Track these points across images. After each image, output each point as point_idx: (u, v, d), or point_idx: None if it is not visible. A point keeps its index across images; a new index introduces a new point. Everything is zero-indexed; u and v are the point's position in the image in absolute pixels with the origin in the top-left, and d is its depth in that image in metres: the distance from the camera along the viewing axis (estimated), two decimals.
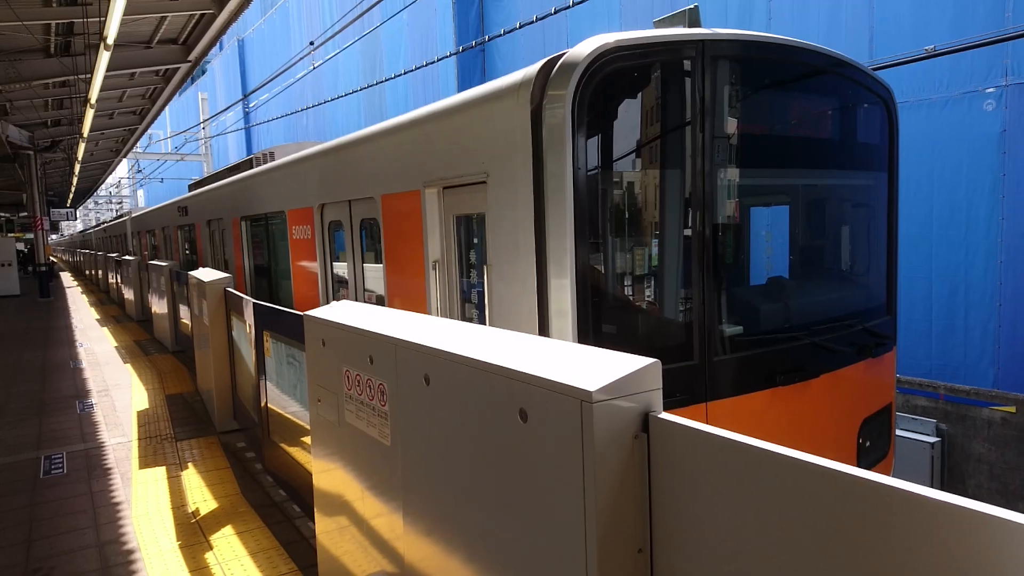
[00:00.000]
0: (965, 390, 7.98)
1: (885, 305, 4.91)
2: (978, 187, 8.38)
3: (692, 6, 4.08)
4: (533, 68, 3.56)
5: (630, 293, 3.73)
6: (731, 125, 3.73)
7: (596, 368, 1.70)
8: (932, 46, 7.58)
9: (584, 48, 3.37)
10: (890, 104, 4.77)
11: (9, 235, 33.43)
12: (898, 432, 6.36)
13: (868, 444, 4.52)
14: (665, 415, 1.61)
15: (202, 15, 12.21)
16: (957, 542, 1.09)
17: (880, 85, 4.68)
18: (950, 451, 7.97)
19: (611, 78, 3.39)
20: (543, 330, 3.58)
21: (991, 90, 8.23)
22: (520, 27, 10.69)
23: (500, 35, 12.04)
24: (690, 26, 4.00)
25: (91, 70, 10.98)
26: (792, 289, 4.50)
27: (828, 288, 4.77)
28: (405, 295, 5.11)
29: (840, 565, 1.26)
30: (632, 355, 1.74)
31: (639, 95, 3.58)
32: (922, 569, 1.14)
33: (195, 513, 4.70)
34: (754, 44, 3.90)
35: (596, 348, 1.90)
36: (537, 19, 9.95)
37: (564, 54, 3.45)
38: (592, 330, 3.47)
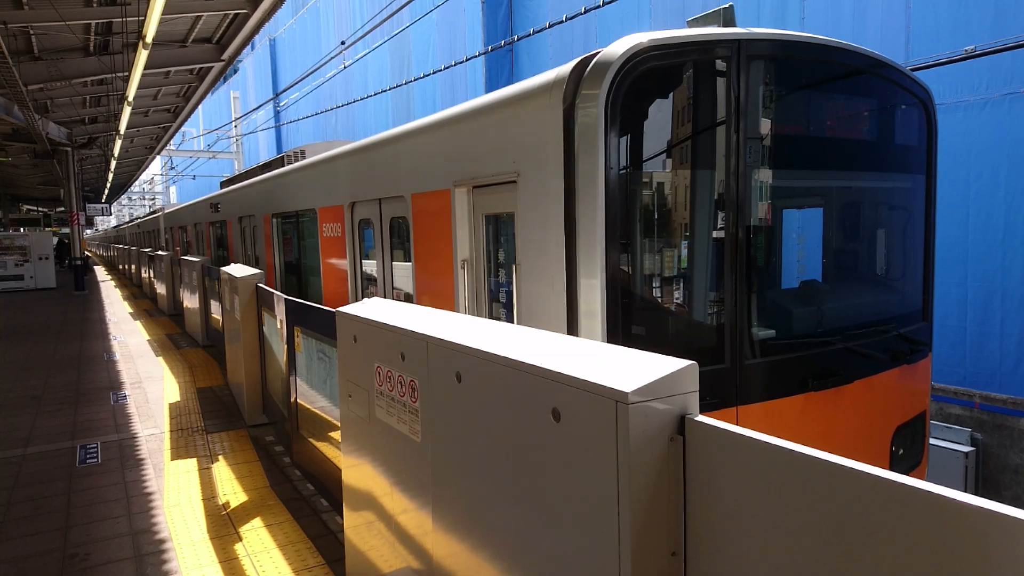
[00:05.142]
0: (1001, 399, 7.78)
1: (921, 311, 4.81)
2: (1017, 191, 8.16)
3: (727, 5, 4.04)
4: (566, 67, 3.55)
5: (660, 295, 3.70)
6: (766, 126, 3.68)
7: (631, 369, 1.70)
8: (972, 46, 7.41)
9: (618, 47, 3.35)
10: (929, 106, 4.67)
11: (46, 229, 34.29)
12: (931, 441, 6.23)
13: (901, 452, 4.43)
14: (702, 418, 1.60)
15: (236, 15, 12.40)
16: (999, 548, 1.07)
17: (919, 86, 4.58)
18: (985, 461, 7.78)
19: (645, 78, 3.37)
20: (572, 331, 3.57)
21: None
22: (549, 27, 10.67)
23: (528, 35, 12.04)
24: (724, 25, 3.97)
25: (128, 68, 11.22)
26: (825, 293, 4.43)
27: (862, 292, 4.68)
28: (433, 293, 5.13)
29: (880, 572, 1.24)
30: (668, 357, 1.73)
31: (673, 95, 3.55)
32: (961, 574, 1.12)
33: (225, 505, 4.78)
34: (790, 44, 3.85)
35: (631, 349, 1.89)
36: (567, 19, 9.93)
37: (597, 53, 3.44)
38: (622, 332, 3.45)
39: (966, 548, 1.11)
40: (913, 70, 5.39)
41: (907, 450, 4.51)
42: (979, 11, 8.33)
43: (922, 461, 4.77)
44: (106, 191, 39.50)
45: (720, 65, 3.54)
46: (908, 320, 4.65)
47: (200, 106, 22.57)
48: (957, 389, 8.20)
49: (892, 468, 4.36)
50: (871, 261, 4.78)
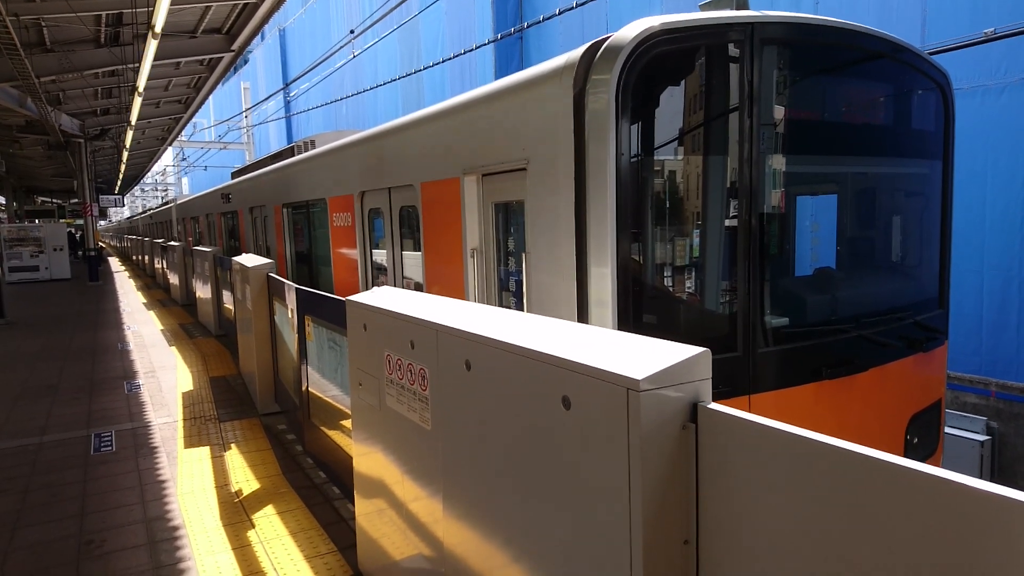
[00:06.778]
0: (1018, 387, 7.70)
1: (937, 298, 4.75)
2: None
3: None
4: (576, 52, 3.51)
5: (672, 283, 3.67)
6: (780, 111, 3.63)
7: (643, 356, 1.68)
8: (991, 29, 7.27)
9: (629, 31, 3.31)
10: (946, 90, 4.59)
11: (61, 220, 34.61)
12: (946, 429, 6.17)
13: (916, 441, 4.39)
14: (715, 405, 1.58)
15: (245, 4, 12.39)
16: (1016, 535, 1.04)
17: (936, 70, 4.50)
18: (1001, 450, 7.70)
19: (657, 62, 3.32)
20: (582, 319, 3.55)
21: None
22: (559, 13, 10.59)
23: (538, 22, 11.94)
24: (737, 9, 3.90)
25: (139, 59, 11.26)
26: (840, 280, 4.38)
27: (877, 280, 4.63)
28: (443, 282, 5.12)
29: (893, 560, 1.22)
30: (680, 344, 1.70)
31: (685, 80, 3.50)
32: (978, 563, 1.10)
33: (238, 492, 4.82)
34: (805, 27, 3.79)
35: (642, 336, 1.87)
36: (577, 5, 9.84)
37: (608, 38, 3.39)
38: (633, 320, 3.43)
39: (982, 535, 1.09)
40: (930, 54, 5.29)
41: (922, 439, 4.46)
42: None
43: (937, 450, 4.73)
44: (119, 182, 39.75)
45: (733, 49, 3.48)
46: (924, 308, 4.59)
47: (211, 97, 22.63)
48: (973, 377, 8.11)
49: (907, 457, 4.32)
50: (886, 248, 4.71)
